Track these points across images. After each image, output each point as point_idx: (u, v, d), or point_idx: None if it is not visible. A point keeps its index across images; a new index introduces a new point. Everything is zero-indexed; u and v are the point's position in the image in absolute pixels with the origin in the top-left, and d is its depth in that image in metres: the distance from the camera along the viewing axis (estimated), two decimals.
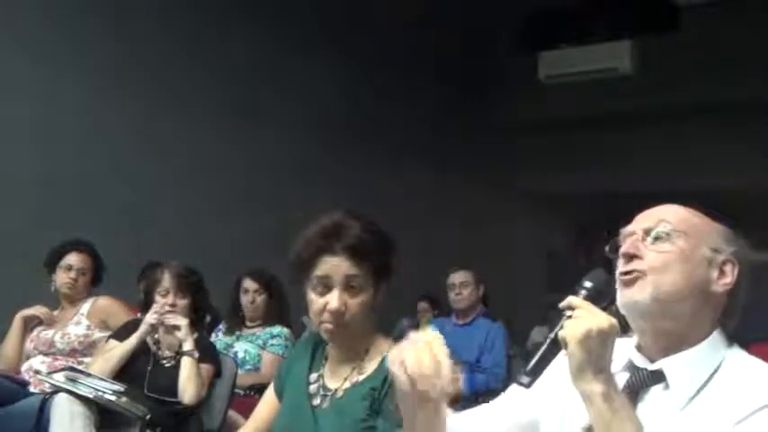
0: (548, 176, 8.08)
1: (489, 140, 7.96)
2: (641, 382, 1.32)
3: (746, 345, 1.38)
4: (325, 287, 1.70)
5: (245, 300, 4.19)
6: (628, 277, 1.32)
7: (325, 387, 1.77)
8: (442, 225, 7.40)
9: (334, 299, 1.69)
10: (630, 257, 1.33)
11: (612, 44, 7.41)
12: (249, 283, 4.18)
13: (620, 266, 1.35)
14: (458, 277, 4.72)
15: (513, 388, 1.47)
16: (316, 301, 1.71)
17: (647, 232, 1.35)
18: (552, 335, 1.25)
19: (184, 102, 5.43)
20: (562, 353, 1.25)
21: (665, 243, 1.32)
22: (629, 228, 1.38)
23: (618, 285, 1.33)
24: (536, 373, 1.26)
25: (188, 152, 5.44)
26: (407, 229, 6.64)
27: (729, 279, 1.32)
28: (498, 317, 4.93)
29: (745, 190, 6.98)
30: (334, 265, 1.70)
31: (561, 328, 1.24)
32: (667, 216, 1.36)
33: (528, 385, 1.26)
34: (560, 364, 1.29)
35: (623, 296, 1.32)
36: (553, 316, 1.28)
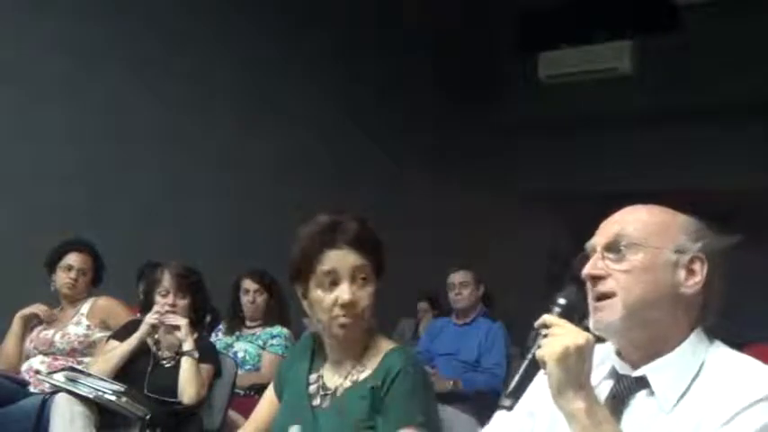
0: (548, 176, 8.07)
1: (489, 140, 7.95)
2: (626, 390, 1.32)
3: (747, 345, 1.37)
4: (333, 282, 1.70)
5: (245, 300, 4.19)
6: (599, 303, 1.32)
7: (324, 387, 1.77)
8: (442, 225, 7.40)
9: (344, 291, 1.68)
10: (595, 279, 1.33)
11: (612, 44, 7.40)
12: (249, 284, 4.19)
13: (590, 288, 1.34)
14: (458, 277, 4.72)
15: (498, 416, 1.48)
16: (324, 297, 1.70)
17: (606, 249, 1.34)
18: (530, 355, 1.25)
19: (186, 103, 5.44)
20: (541, 372, 1.25)
21: (624, 260, 1.32)
22: (592, 241, 1.38)
23: (591, 307, 1.33)
24: (517, 394, 1.26)
25: (188, 153, 5.44)
26: (407, 229, 6.68)
27: (699, 278, 1.31)
28: (498, 317, 4.93)
29: (745, 190, 6.97)
30: (340, 258, 1.70)
31: (538, 347, 1.24)
32: (624, 228, 1.34)
33: (510, 407, 1.27)
34: (542, 382, 1.29)
35: (595, 321, 1.33)
36: (535, 334, 1.28)
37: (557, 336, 1.23)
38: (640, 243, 1.31)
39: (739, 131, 6.92)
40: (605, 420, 1.22)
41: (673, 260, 1.31)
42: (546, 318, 1.27)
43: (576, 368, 1.21)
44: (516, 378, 1.26)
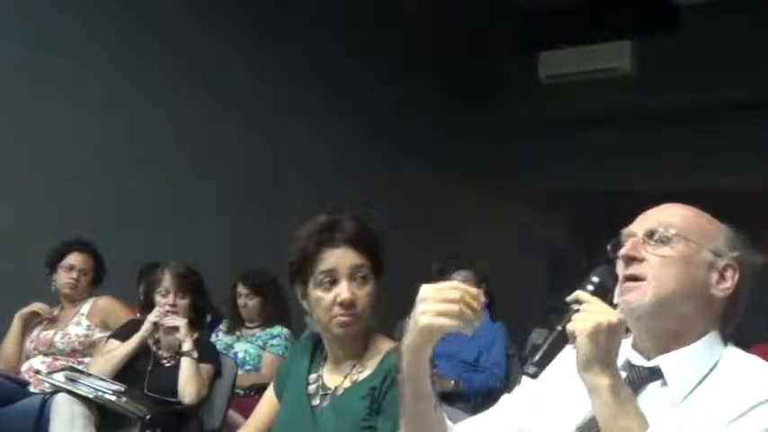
0: (548, 176, 8.07)
1: (489, 140, 7.95)
2: (639, 380, 1.33)
3: (748, 345, 1.38)
4: (332, 281, 1.70)
5: (239, 303, 4.22)
6: (628, 284, 1.33)
7: (324, 387, 1.77)
8: (442, 225, 7.39)
9: (343, 290, 1.69)
10: (630, 260, 1.34)
11: (612, 44, 7.39)
12: (241, 288, 4.22)
13: (621, 269, 1.35)
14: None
15: (506, 397, 1.48)
16: (324, 297, 1.70)
17: (648, 234, 1.35)
18: (560, 327, 1.26)
19: (186, 103, 5.44)
20: (568, 347, 1.26)
21: (666, 247, 1.33)
22: (632, 227, 1.38)
23: (618, 288, 1.34)
24: (543, 364, 1.27)
25: (189, 153, 5.44)
26: (407, 229, 6.68)
27: (729, 284, 1.33)
28: (498, 317, 4.93)
29: (745, 190, 6.97)
30: (339, 257, 1.70)
31: (569, 320, 1.24)
32: (670, 218, 1.35)
33: (534, 375, 1.27)
34: (561, 360, 1.30)
35: (623, 300, 1.33)
36: (552, 319, 1.28)
37: (590, 312, 1.23)
38: (684, 235, 1.33)
39: (739, 131, 6.92)
40: (628, 399, 1.22)
41: (709, 261, 1.33)
42: (579, 293, 1.27)
43: (606, 345, 1.21)
44: (543, 348, 1.26)
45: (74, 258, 3.67)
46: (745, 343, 1.39)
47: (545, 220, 8.45)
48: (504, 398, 1.49)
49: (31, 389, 3.32)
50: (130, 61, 5.10)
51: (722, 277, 1.33)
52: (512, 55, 8.05)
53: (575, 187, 8.02)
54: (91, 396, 2.82)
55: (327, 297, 1.70)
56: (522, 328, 5.12)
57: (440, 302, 1.25)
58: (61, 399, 2.84)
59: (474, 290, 1.26)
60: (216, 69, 5.66)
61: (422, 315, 1.27)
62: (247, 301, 4.20)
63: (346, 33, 6.54)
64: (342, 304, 1.68)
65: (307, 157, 6.27)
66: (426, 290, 1.28)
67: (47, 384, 3.17)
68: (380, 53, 6.86)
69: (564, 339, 1.25)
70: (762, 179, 6.75)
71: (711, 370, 1.30)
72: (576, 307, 1.26)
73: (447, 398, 3.67)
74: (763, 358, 1.31)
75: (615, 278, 1.34)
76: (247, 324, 4.23)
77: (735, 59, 6.81)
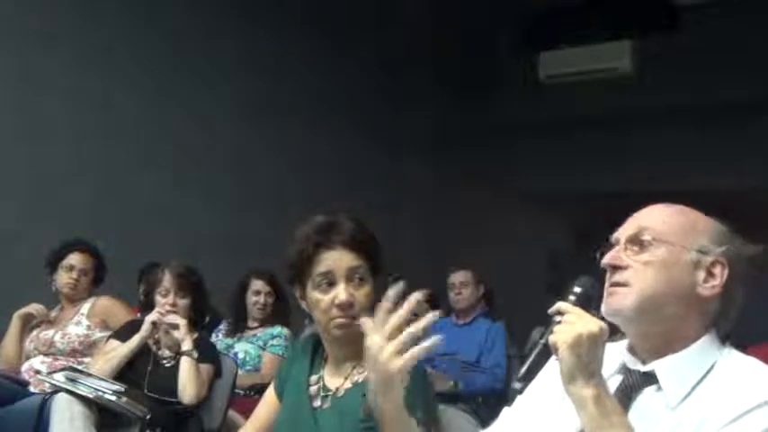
0: (548, 176, 8.06)
1: (489, 140, 7.95)
2: (634, 385, 1.32)
3: (745, 346, 1.37)
4: (329, 283, 1.70)
5: (253, 300, 4.18)
6: (612, 288, 1.34)
7: (325, 388, 1.77)
8: (442, 225, 7.40)
9: (341, 292, 1.68)
10: (614, 268, 1.34)
11: (612, 44, 7.40)
12: (261, 285, 4.17)
13: (607, 277, 1.36)
14: (458, 277, 4.72)
15: (506, 412, 1.48)
16: (322, 299, 1.70)
17: (630, 240, 1.35)
18: (543, 340, 1.26)
19: (187, 103, 5.44)
20: (553, 358, 1.26)
21: (646, 252, 1.32)
22: (617, 233, 1.39)
23: (605, 295, 1.34)
24: (528, 378, 1.28)
25: (189, 153, 5.44)
26: (407, 229, 6.68)
27: (717, 281, 1.31)
28: (498, 317, 4.93)
29: (744, 190, 6.97)
30: (336, 259, 1.70)
31: (551, 333, 1.25)
32: (649, 222, 1.35)
33: (520, 391, 1.29)
34: (550, 370, 1.31)
35: (607, 305, 1.33)
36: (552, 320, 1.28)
37: (570, 323, 1.24)
38: (663, 239, 1.32)
39: (739, 131, 6.92)
40: (614, 409, 1.22)
41: (694, 260, 1.31)
42: (561, 304, 1.28)
43: (588, 356, 1.21)
44: (528, 362, 1.27)
45: (74, 258, 3.67)
46: (744, 343, 1.38)
47: (545, 220, 8.44)
48: (504, 411, 1.48)
49: (31, 389, 3.32)
50: (130, 61, 5.10)
51: (710, 274, 1.31)
52: (512, 55, 8.05)
53: (575, 187, 8.01)
54: (91, 396, 2.82)
55: (325, 299, 1.70)
56: (522, 328, 5.13)
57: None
58: (61, 399, 2.84)
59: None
60: (216, 69, 5.66)
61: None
62: (267, 299, 4.17)
63: (346, 33, 6.54)
64: (340, 306, 1.68)
65: (307, 156, 6.27)
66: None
67: (47, 384, 3.17)
68: (380, 53, 6.86)
69: (548, 352, 1.26)
70: (762, 179, 6.75)
71: (707, 374, 1.28)
72: (558, 318, 1.26)
73: (446, 398, 3.67)
74: (762, 358, 1.30)
75: (597, 286, 1.34)
76: (249, 324, 4.22)
77: (735, 59, 6.81)
